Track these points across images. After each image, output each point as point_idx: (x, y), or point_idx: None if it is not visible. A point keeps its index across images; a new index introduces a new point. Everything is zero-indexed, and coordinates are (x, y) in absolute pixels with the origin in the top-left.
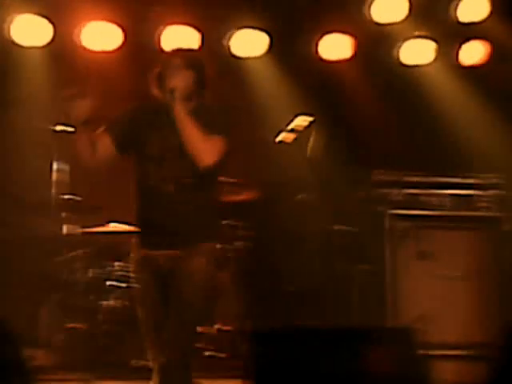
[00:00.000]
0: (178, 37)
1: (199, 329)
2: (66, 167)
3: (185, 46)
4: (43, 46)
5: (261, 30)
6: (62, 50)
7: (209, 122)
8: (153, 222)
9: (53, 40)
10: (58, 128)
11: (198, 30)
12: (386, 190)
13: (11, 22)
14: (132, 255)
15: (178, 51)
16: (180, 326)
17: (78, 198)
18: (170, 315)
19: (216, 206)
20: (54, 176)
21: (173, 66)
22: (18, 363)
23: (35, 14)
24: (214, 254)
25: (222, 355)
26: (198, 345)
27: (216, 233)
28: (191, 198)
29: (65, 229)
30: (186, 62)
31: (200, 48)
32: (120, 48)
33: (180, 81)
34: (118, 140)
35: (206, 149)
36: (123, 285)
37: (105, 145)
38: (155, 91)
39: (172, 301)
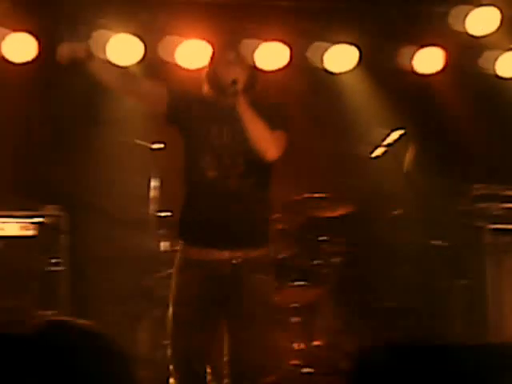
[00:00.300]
0: (269, 53)
1: (296, 346)
2: (162, 184)
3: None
4: (137, 63)
5: (351, 44)
6: (153, 68)
7: (265, 117)
8: (206, 218)
9: (144, 57)
10: (155, 146)
11: (288, 45)
12: (485, 205)
13: (106, 41)
14: (180, 255)
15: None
16: (243, 343)
17: (173, 216)
18: (230, 331)
19: (269, 209)
20: (152, 193)
21: (229, 60)
22: (126, 378)
23: (129, 33)
24: (269, 261)
25: (320, 372)
26: (296, 362)
27: (267, 237)
28: (247, 196)
29: (162, 246)
30: (240, 55)
31: (289, 63)
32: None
33: (240, 72)
34: (171, 106)
35: (272, 141)
36: None
37: (158, 94)
38: (208, 89)
39: (230, 313)
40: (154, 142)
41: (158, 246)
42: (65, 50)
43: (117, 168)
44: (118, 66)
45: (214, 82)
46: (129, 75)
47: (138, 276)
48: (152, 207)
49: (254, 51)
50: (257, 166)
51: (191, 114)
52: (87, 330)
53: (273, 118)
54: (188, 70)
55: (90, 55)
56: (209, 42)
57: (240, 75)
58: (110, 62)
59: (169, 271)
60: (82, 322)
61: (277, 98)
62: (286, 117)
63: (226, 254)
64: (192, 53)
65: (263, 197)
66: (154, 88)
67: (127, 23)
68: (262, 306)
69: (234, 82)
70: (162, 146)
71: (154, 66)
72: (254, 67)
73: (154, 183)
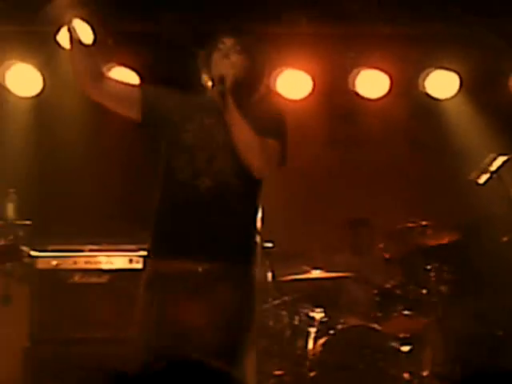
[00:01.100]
0: (370, 80)
1: (406, 376)
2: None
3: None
4: None
5: (452, 70)
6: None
7: (262, 123)
8: (177, 224)
9: None
10: None
11: (387, 73)
12: None
13: None
14: (148, 267)
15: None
16: None
17: (278, 246)
18: None
19: (254, 223)
20: (259, 224)
21: (223, 49)
22: None
23: None
24: (247, 281)
25: None
26: None
27: (252, 255)
28: (227, 203)
29: (269, 276)
30: (239, 44)
31: (390, 90)
32: (309, 95)
33: (231, 67)
34: (145, 107)
35: (259, 150)
36: (331, 331)
37: (133, 96)
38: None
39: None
40: None
41: (265, 276)
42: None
43: None
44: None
45: (207, 72)
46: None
47: None
48: (259, 238)
49: (354, 79)
50: (240, 170)
51: (166, 111)
52: (216, 371)
53: (268, 124)
54: (289, 100)
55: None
56: (310, 72)
57: (232, 70)
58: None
59: (276, 301)
60: (204, 360)
61: (276, 109)
62: (282, 129)
63: (191, 267)
64: (290, 83)
65: (245, 207)
66: (127, 89)
67: None
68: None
69: (222, 79)
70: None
71: None
72: (260, 65)
73: (261, 214)
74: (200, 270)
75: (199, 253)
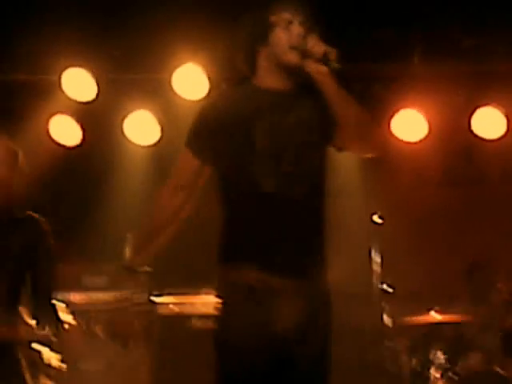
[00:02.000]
0: (487, 119)
1: None
2: (383, 257)
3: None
4: None
5: None
6: None
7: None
8: (264, 238)
9: None
10: (376, 218)
11: (504, 111)
12: None
13: None
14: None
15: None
16: None
17: (397, 290)
18: None
19: (322, 235)
20: (374, 265)
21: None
22: None
23: None
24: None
25: None
26: None
27: (324, 269)
28: (306, 212)
29: (385, 318)
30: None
31: (508, 129)
32: (425, 135)
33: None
34: (198, 148)
35: (374, 127)
36: (451, 375)
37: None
38: (293, 57)
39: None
40: (374, 213)
41: (382, 318)
42: None
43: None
44: None
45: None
46: None
47: (361, 348)
48: (375, 280)
49: (471, 118)
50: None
51: (223, 126)
52: None
53: None
54: (404, 142)
55: None
56: (425, 112)
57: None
58: None
59: (393, 343)
60: None
61: None
62: None
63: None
64: (409, 124)
65: (320, 215)
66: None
67: None
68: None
69: (326, 56)
70: (379, 219)
71: None
72: None
73: (376, 256)
74: (285, 283)
75: (284, 267)
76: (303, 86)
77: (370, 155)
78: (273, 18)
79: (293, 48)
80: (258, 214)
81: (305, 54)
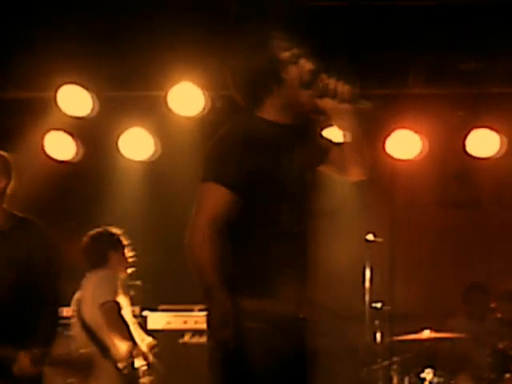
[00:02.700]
0: (481, 139)
1: None
2: (376, 274)
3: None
4: None
5: None
6: None
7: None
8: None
9: None
10: (370, 237)
11: (499, 132)
12: None
13: None
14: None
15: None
16: None
17: (388, 307)
18: None
19: None
20: (367, 284)
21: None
22: None
23: None
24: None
25: None
26: None
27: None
28: (307, 241)
29: (378, 337)
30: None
31: (502, 149)
32: (419, 155)
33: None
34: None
35: (370, 157)
36: None
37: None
38: (306, 96)
39: None
40: (368, 233)
41: (374, 337)
42: None
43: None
44: None
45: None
46: None
47: (355, 367)
48: (368, 298)
49: (465, 138)
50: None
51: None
52: None
53: None
54: (398, 160)
55: None
56: (420, 132)
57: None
58: None
59: (385, 362)
60: None
61: None
62: None
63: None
64: (403, 143)
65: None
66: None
67: None
68: None
69: (343, 95)
70: (373, 238)
71: None
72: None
73: (369, 275)
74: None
75: (301, 297)
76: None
77: (359, 179)
78: (284, 56)
79: (306, 87)
80: (278, 250)
81: (325, 93)
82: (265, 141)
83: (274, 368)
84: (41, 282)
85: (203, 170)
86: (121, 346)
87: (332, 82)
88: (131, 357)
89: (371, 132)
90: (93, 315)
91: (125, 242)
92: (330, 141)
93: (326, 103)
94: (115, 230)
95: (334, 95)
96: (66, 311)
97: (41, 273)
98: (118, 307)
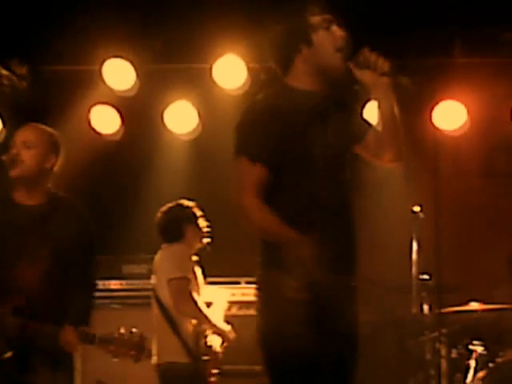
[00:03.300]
0: None
1: None
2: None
3: None
4: None
5: None
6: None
7: None
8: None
9: None
10: (417, 209)
11: None
12: None
13: None
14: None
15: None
16: None
17: (435, 278)
18: None
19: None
20: (414, 256)
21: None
22: None
23: None
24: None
25: None
26: None
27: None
28: (352, 213)
29: (425, 309)
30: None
31: None
32: (465, 126)
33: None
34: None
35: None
36: (490, 365)
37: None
38: (338, 60)
39: None
40: (415, 204)
41: (422, 308)
42: None
43: (379, 231)
44: None
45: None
46: None
47: (401, 340)
48: (415, 270)
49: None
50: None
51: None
52: None
53: None
54: (443, 131)
55: None
56: (465, 103)
57: None
58: None
59: (433, 334)
60: None
61: None
62: None
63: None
64: (449, 114)
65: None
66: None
67: None
68: None
69: (384, 73)
70: (420, 209)
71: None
72: None
73: (416, 247)
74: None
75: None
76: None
77: (391, 164)
78: (314, 20)
79: (338, 51)
80: (321, 225)
81: (365, 65)
82: (294, 111)
83: (326, 335)
84: (74, 258)
85: (234, 146)
86: (188, 325)
87: (373, 56)
88: (198, 336)
89: (414, 105)
90: (162, 291)
91: (198, 213)
92: (367, 122)
93: (366, 75)
94: (188, 203)
95: (374, 68)
96: (113, 284)
97: (74, 249)
98: (187, 283)
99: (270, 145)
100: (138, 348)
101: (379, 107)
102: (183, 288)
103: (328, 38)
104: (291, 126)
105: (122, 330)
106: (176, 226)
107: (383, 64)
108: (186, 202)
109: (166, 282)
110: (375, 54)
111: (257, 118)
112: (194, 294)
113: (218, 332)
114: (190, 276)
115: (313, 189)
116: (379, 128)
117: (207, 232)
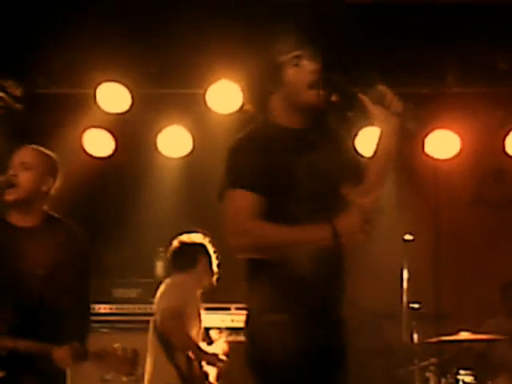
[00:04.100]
0: None
1: None
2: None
3: None
4: None
5: None
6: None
7: None
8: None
9: None
10: (408, 237)
11: None
12: None
13: None
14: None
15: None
16: None
17: (425, 307)
18: None
19: None
20: (405, 284)
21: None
22: None
23: None
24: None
25: None
26: None
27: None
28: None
29: (415, 337)
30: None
31: None
32: (458, 155)
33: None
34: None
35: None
36: None
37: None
38: (311, 96)
39: None
40: (406, 233)
41: (411, 337)
42: None
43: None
44: None
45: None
46: None
47: (390, 368)
48: (405, 299)
49: (504, 138)
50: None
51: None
52: None
53: None
54: (437, 160)
55: None
56: (458, 132)
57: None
58: None
59: (422, 363)
60: None
61: None
62: None
63: None
64: (442, 143)
65: None
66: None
67: None
68: None
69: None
70: (412, 237)
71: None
72: None
73: (406, 275)
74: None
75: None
76: (316, 122)
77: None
78: (282, 59)
79: (311, 87)
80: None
81: (380, 101)
82: (276, 145)
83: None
84: (70, 279)
85: (225, 180)
86: (179, 354)
87: (389, 94)
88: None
89: (410, 134)
90: (155, 318)
91: (212, 249)
92: (358, 156)
93: (378, 111)
94: (203, 237)
95: (388, 106)
96: (103, 308)
97: (69, 270)
98: (179, 314)
99: (260, 177)
100: (130, 363)
101: (380, 140)
102: (173, 318)
103: (297, 75)
104: (276, 162)
105: (115, 346)
106: (191, 255)
107: (397, 104)
108: (202, 236)
109: (160, 310)
110: (391, 93)
111: (242, 152)
112: (191, 326)
113: (211, 361)
114: (190, 310)
115: (302, 218)
116: (370, 156)
117: (217, 270)
